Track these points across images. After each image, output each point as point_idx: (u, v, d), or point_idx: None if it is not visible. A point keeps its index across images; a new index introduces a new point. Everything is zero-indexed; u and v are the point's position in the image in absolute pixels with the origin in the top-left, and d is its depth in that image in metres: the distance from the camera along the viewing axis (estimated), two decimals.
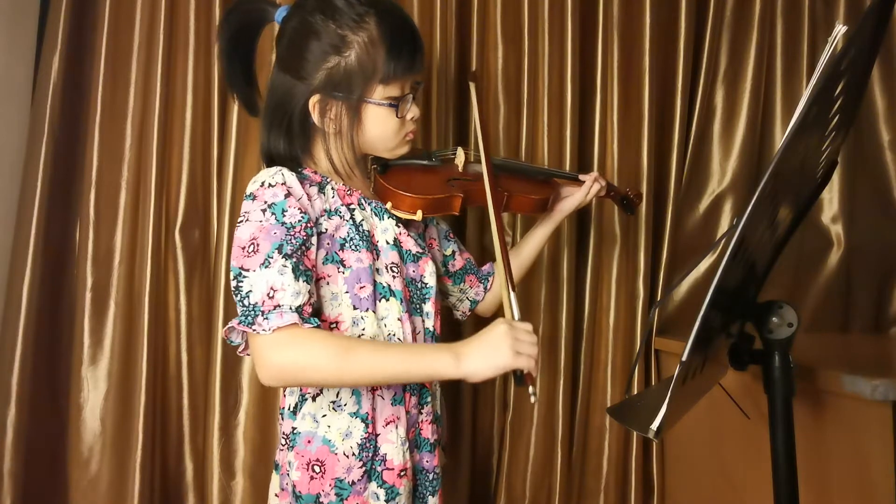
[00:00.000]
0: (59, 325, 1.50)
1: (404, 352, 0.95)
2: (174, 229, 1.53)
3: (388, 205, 1.06)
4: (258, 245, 0.91)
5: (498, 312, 1.36)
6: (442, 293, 1.26)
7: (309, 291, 0.93)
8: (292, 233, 0.93)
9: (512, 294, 1.00)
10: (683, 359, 0.70)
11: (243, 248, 0.92)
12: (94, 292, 1.48)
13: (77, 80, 1.50)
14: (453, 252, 1.26)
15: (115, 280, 1.48)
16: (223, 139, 1.53)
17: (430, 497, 1.08)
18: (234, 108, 1.50)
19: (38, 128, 1.45)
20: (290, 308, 0.89)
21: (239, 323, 0.89)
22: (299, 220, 0.94)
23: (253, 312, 0.89)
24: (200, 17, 1.52)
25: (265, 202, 0.95)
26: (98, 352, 1.48)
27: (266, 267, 0.90)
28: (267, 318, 0.88)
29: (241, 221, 0.95)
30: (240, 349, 0.94)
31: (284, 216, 0.94)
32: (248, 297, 0.89)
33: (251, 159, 1.51)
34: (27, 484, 1.42)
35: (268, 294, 0.89)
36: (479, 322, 1.59)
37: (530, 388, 0.93)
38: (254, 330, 0.88)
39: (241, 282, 0.90)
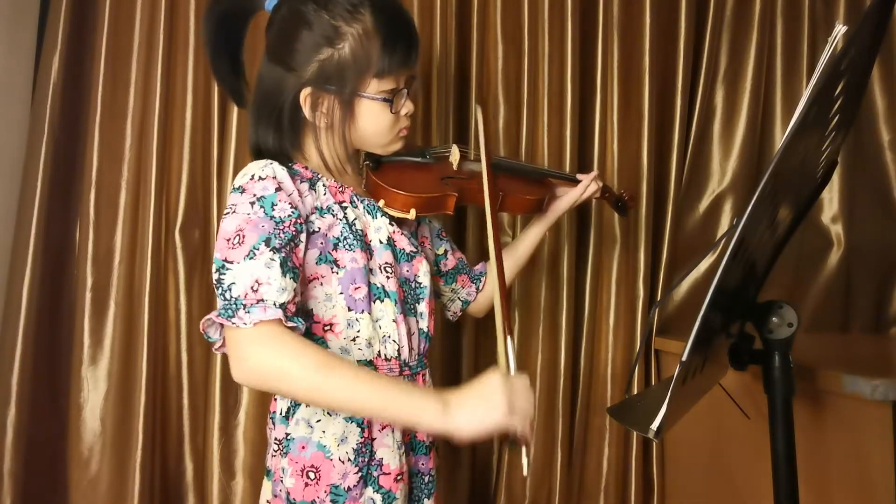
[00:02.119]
0: (59, 325, 1.49)
1: (388, 387, 0.86)
2: (174, 229, 1.52)
3: (381, 203, 1.03)
4: (244, 236, 0.87)
5: (490, 315, 1.36)
6: (434, 293, 1.22)
7: (294, 289, 0.88)
8: (281, 227, 0.89)
9: (509, 342, 0.91)
10: (683, 359, 0.70)
11: (228, 240, 0.87)
12: (94, 292, 1.48)
13: (77, 80, 1.50)
14: (445, 251, 1.22)
15: (115, 280, 1.48)
16: (223, 139, 1.53)
17: (425, 500, 1.06)
18: (235, 108, 1.50)
19: (38, 128, 1.45)
20: (275, 304, 0.84)
21: (218, 315, 0.84)
22: (289, 215, 0.90)
23: (234, 306, 0.84)
24: (200, 17, 1.52)
25: (254, 195, 0.90)
26: (98, 352, 1.48)
27: (251, 259, 0.85)
28: (249, 312, 0.83)
29: (228, 213, 0.90)
30: (216, 346, 0.89)
31: (274, 210, 0.89)
32: (230, 289, 0.84)
33: (251, 159, 1.51)
34: (27, 484, 1.42)
35: (251, 287, 0.84)
36: (479, 328, 1.60)
37: (524, 451, 0.85)
38: (233, 323, 0.83)
39: (224, 274, 0.85)
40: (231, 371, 0.86)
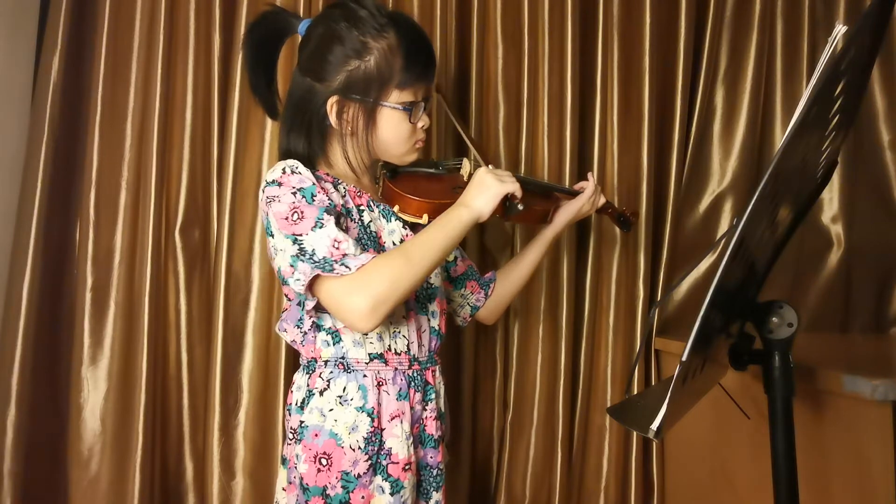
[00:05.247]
0: (59, 325, 1.49)
1: (437, 228, 1.02)
2: (174, 229, 1.53)
3: (396, 208, 1.09)
4: (302, 212, 0.96)
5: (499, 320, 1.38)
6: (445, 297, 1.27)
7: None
8: (328, 209, 0.98)
9: (475, 150, 1.19)
10: (683, 359, 0.70)
11: (287, 218, 0.96)
12: (94, 292, 1.48)
13: (77, 80, 1.50)
14: (455, 258, 1.29)
15: (115, 280, 1.48)
16: (223, 139, 1.53)
17: (434, 492, 1.11)
18: (235, 108, 1.50)
19: (38, 128, 1.45)
20: (356, 254, 0.94)
21: (321, 270, 0.92)
22: (330, 204, 0.99)
23: (328, 263, 0.93)
24: (200, 17, 1.52)
25: (293, 187, 0.98)
26: (98, 352, 1.48)
27: (320, 227, 0.95)
28: (344, 264, 0.93)
29: (272, 201, 0.98)
30: (309, 306, 0.98)
31: (314, 200, 0.98)
32: (314, 253, 0.94)
33: (251, 159, 1.51)
34: (27, 484, 1.42)
35: (333, 245, 0.94)
36: (479, 329, 1.60)
37: (519, 206, 1.08)
38: (337, 272, 0.93)
39: (303, 243, 0.94)
40: (352, 325, 0.97)
